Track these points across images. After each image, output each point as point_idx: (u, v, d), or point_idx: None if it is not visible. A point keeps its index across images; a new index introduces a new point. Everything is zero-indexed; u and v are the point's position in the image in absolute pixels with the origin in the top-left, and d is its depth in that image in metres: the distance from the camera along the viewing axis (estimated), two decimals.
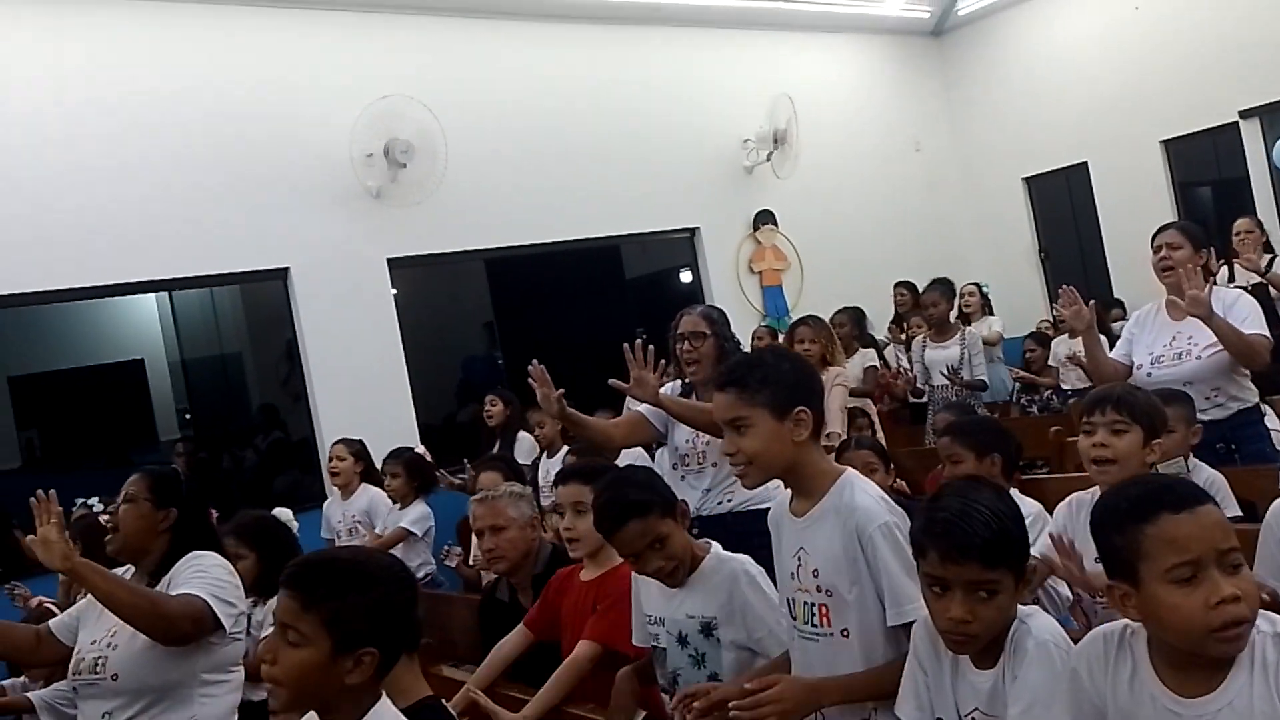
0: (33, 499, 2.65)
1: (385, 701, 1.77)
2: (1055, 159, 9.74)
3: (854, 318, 7.19)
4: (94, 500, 4.87)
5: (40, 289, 5.98)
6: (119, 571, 2.89)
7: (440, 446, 6.35)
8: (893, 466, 4.12)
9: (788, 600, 2.24)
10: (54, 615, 3.43)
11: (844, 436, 5.01)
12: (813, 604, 2.15)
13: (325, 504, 5.82)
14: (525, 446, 6.10)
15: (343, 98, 6.77)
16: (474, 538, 4.02)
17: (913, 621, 2.03)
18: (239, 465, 8.30)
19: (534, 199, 7.65)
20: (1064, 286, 4.17)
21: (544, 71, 7.91)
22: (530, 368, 3.62)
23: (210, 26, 6.58)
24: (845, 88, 9.80)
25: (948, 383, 6.20)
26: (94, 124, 6.10)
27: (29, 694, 3.26)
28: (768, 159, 8.82)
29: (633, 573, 2.71)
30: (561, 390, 3.59)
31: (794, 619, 2.22)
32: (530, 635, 3.18)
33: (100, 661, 2.67)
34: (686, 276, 8.92)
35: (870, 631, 2.10)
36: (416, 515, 5.24)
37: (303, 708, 1.77)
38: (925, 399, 6.53)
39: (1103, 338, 6.28)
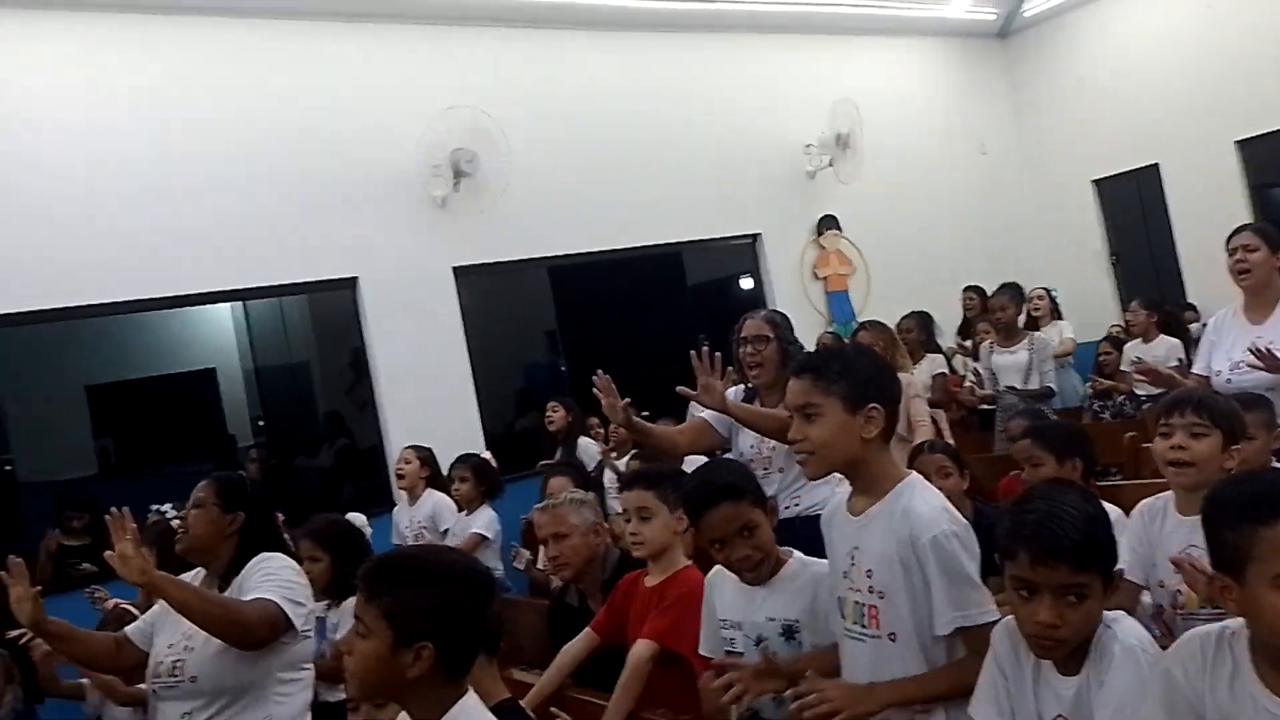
0: (108, 515, 2.71)
1: (471, 699, 1.79)
2: (1125, 161, 9.55)
3: (921, 323, 7.10)
4: (167, 506, 4.98)
5: (117, 299, 6.14)
6: (190, 575, 2.97)
7: (504, 453, 6.39)
8: (967, 471, 4.07)
9: (838, 599, 2.23)
10: (131, 617, 3.51)
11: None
12: (863, 604, 2.14)
13: (395, 509, 5.90)
14: (589, 452, 6.13)
15: (409, 109, 6.87)
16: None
17: (956, 631, 2.02)
18: (308, 471, 8.44)
19: (596, 207, 7.69)
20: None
21: (606, 80, 7.95)
22: (595, 378, 3.62)
23: (281, 43, 6.72)
24: (909, 91, 9.72)
25: (1016, 388, 6.09)
26: (170, 141, 6.25)
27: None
28: (830, 164, 8.77)
29: (706, 581, 2.71)
30: (628, 400, 3.59)
31: (843, 618, 2.21)
32: (597, 638, 3.19)
33: (178, 664, 2.73)
34: (748, 283, 8.89)
35: (917, 638, 2.08)
36: (487, 520, 5.28)
37: (371, 697, 1.84)
38: (993, 405, 6.43)
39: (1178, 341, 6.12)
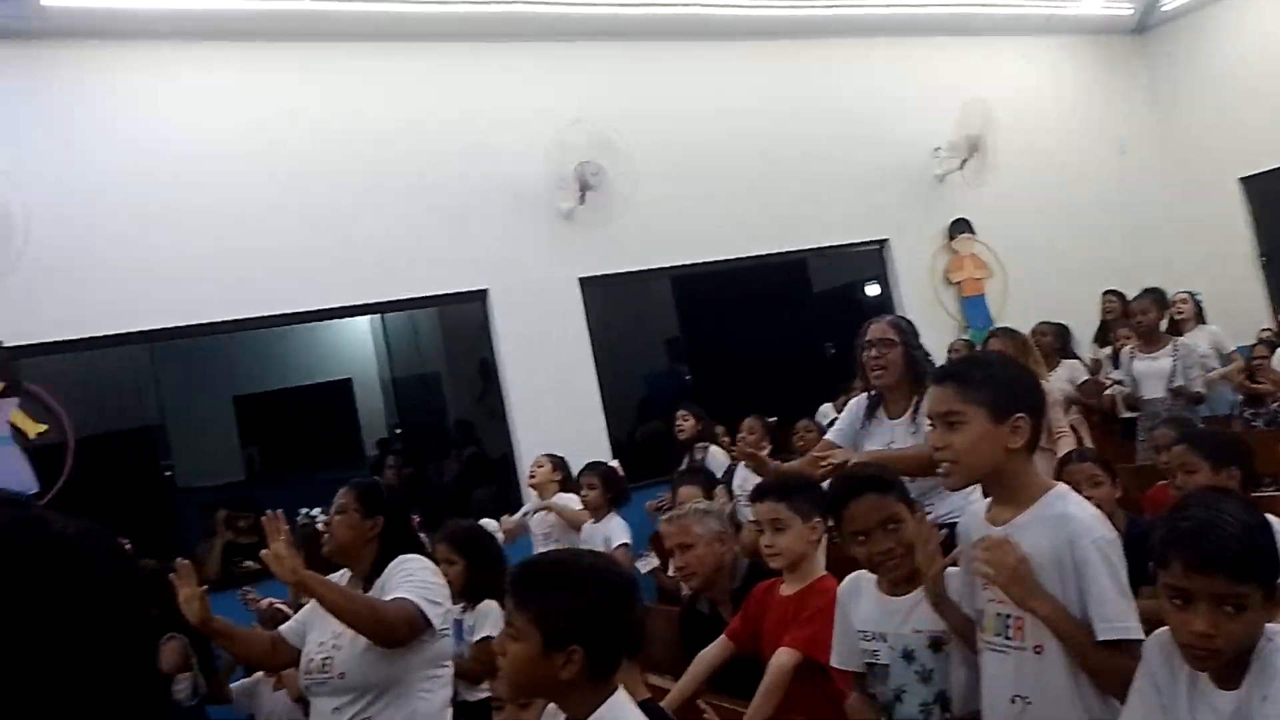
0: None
1: (621, 695, 1.83)
2: (1274, 157, 9.07)
3: (1056, 329, 6.89)
4: (316, 510, 5.20)
5: (263, 314, 6.42)
6: (336, 576, 3.10)
7: (630, 461, 6.45)
8: (1118, 479, 3.93)
9: (978, 611, 2.18)
10: (284, 614, 3.68)
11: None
12: (1007, 616, 2.09)
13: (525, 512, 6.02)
14: (717, 460, 6.13)
15: (536, 125, 7.00)
16: None
17: (1119, 640, 1.95)
18: (440, 478, 8.68)
19: (720, 216, 7.70)
20: None
21: (729, 89, 7.96)
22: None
23: (413, 66, 6.93)
24: (1043, 90, 9.44)
25: (1161, 396, 5.85)
26: (311, 163, 6.51)
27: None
28: (960, 167, 8.58)
29: (838, 591, 2.68)
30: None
31: (982, 630, 2.16)
32: (732, 646, 3.20)
33: (327, 661, 2.86)
34: (874, 289, 8.76)
35: (1065, 650, 2.01)
36: (621, 526, 5.32)
37: (522, 696, 1.89)
38: (1136, 413, 6.18)
39: None
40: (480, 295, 7.03)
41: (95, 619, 1.09)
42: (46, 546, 1.09)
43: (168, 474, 6.49)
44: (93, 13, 5.79)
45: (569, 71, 7.40)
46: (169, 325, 6.13)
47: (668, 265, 7.69)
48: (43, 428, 5.70)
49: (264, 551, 2.83)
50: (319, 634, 2.95)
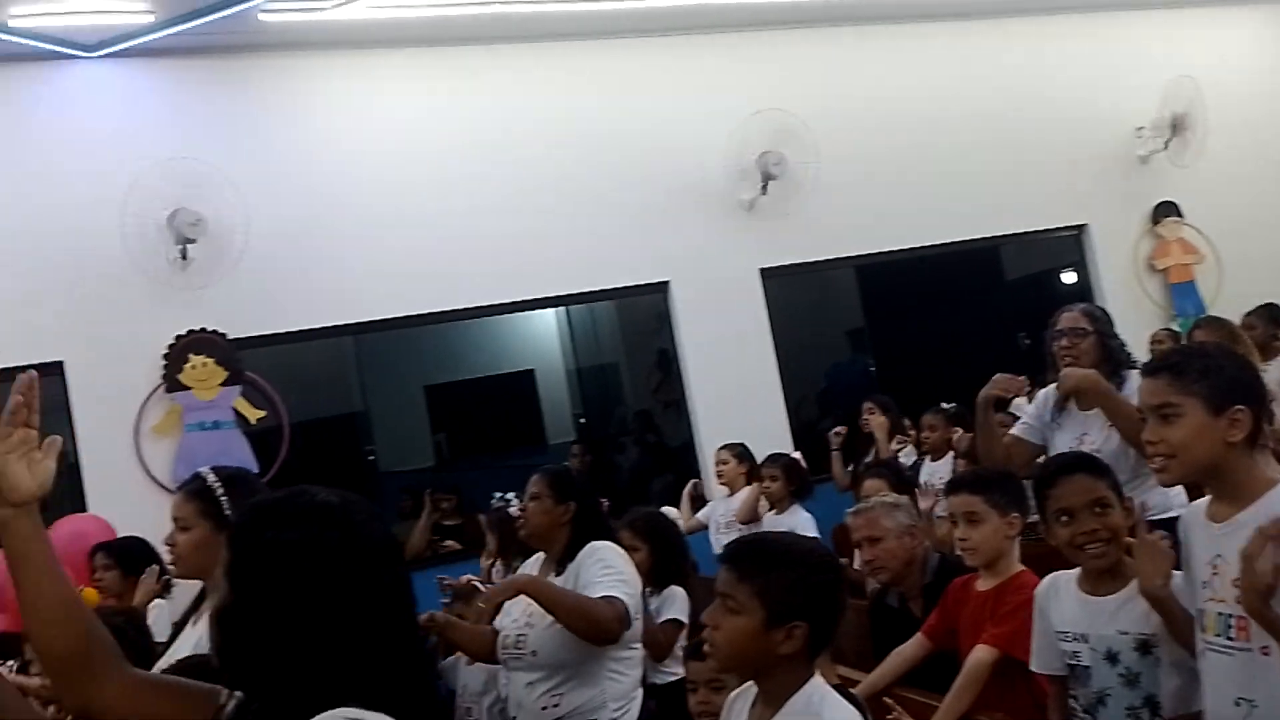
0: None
1: (820, 679, 1.85)
2: None
3: (1268, 318, 6.40)
4: (510, 495, 5.42)
5: (454, 307, 6.70)
6: (532, 560, 3.23)
7: (811, 453, 6.40)
8: None
9: (1199, 611, 2.08)
10: (477, 589, 3.84)
11: None
12: (1229, 615, 1.99)
13: (709, 504, 6.07)
14: (903, 452, 6.02)
15: (716, 117, 7.02)
16: None
17: None
18: (619, 468, 8.85)
19: (906, 203, 7.53)
20: None
21: (913, 72, 7.77)
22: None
23: (593, 62, 7.07)
24: (1258, 64, 8.78)
25: None
26: (498, 160, 6.73)
27: None
28: (1165, 147, 8.09)
29: (1036, 592, 2.62)
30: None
31: (1203, 631, 2.06)
32: (929, 644, 3.15)
33: (521, 639, 2.99)
34: (1071, 277, 8.38)
35: None
36: (807, 519, 5.30)
37: (736, 670, 1.92)
38: None
39: None
40: (662, 287, 7.12)
41: (362, 571, 1.27)
42: (317, 511, 1.28)
43: (370, 458, 6.87)
44: (306, 26, 6.17)
45: (749, 62, 7.38)
46: (371, 318, 6.49)
47: (852, 255, 7.58)
48: (261, 413, 6.15)
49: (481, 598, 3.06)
50: (513, 611, 3.09)
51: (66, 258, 5.82)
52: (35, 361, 5.69)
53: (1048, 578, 2.62)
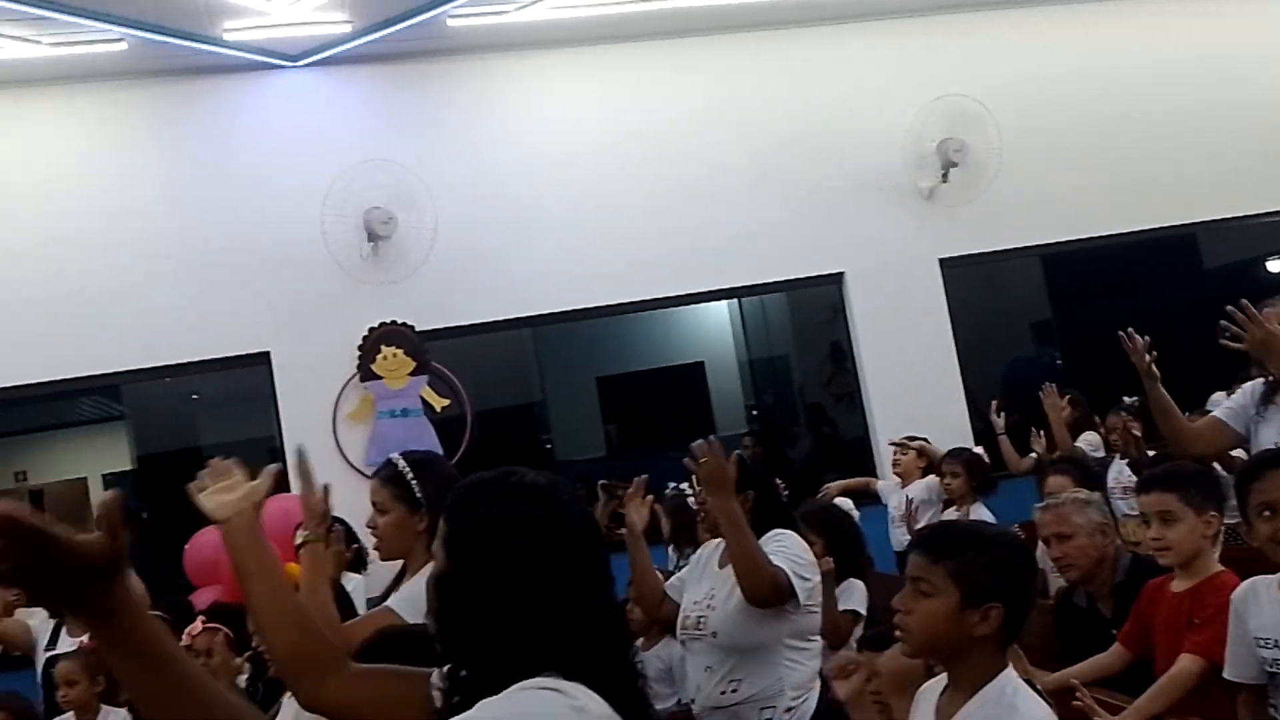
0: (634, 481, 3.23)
1: (1013, 672, 1.83)
2: None
3: None
4: (683, 485, 5.50)
5: (627, 300, 6.82)
6: (710, 547, 3.28)
7: (993, 447, 6.21)
8: None
9: None
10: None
11: None
12: None
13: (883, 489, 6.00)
14: (1090, 447, 5.78)
15: (893, 104, 6.90)
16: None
17: None
18: (790, 460, 8.80)
19: (1095, 189, 7.20)
20: None
21: (1099, 52, 7.41)
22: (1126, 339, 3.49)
23: (769, 51, 7.05)
24: None
25: None
26: (671, 153, 6.81)
27: None
28: None
29: (1232, 598, 2.50)
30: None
31: None
32: (1128, 654, 3.04)
33: (701, 620, 3.04)
34: (1277, 265, 7.83)
35: None
36: (987, 517, 5.15)
37: (929, 653, 1.92)
38: None
39: None
40: (836, 279, 7.05)
41: (564, 546, 1.35)
42: (525, 490, 1.39)
43: (548, 447, 7.08)
44: (490, 29, 6.41)
45: (929, 48, 7.22)
46: (549, 311, 6.69)
47: (1037, 244, 7.31)
48: (446, 402, 6.43)
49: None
50: (694, 593, 3.14)
51: (272, 256, 6.24)
52: (246, 352, 6.20)
53: (1245, 582, 2.54)
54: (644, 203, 6.75)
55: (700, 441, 2.91)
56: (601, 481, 5.97)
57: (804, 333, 8.83)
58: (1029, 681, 1.91)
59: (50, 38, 5.58)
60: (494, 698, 1.29)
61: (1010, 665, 1.85)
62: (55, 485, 12.14)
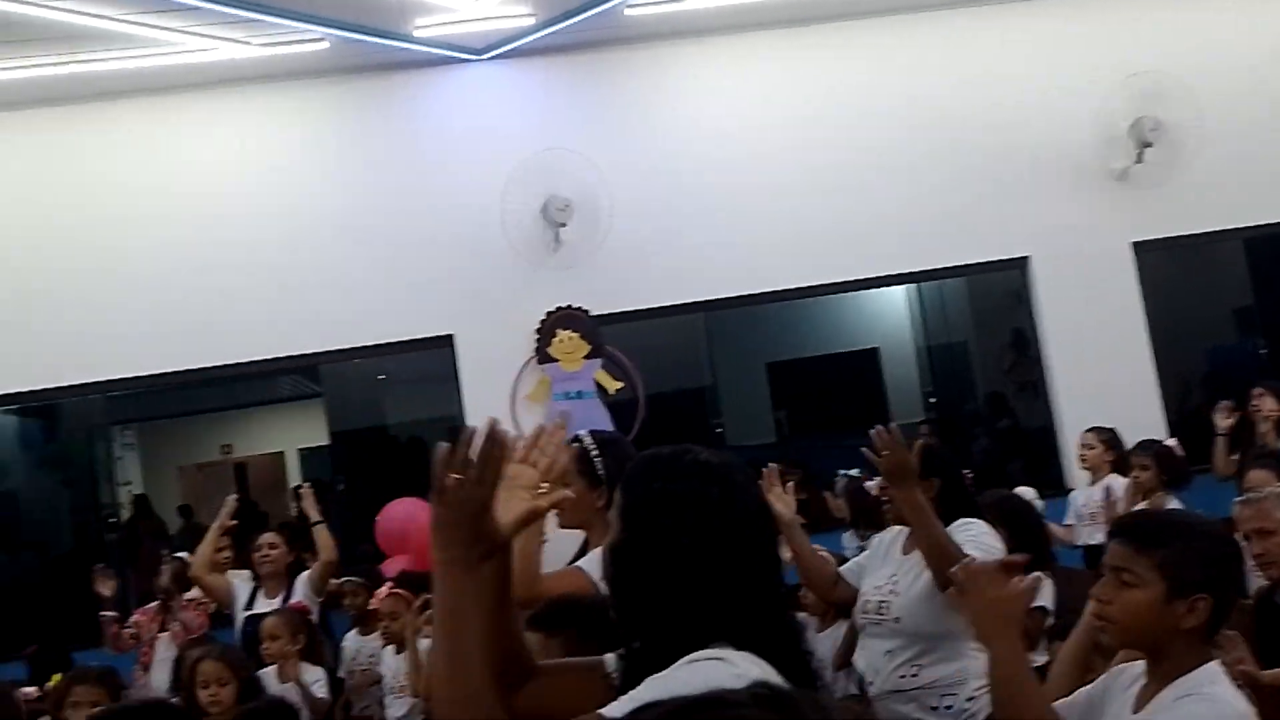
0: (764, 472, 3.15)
1: (1216, 665, 1.77)
2: None
3: None
4: (854, 471, 5.45)
5: (800, 285, 6.80)
6: (892, 533, 3.24)
7: (1193, 441, 5.88)
8: None
9: None
10: None
11: None
12: None
13: (1073, 492, 5.76)
14: None
15: (1081, 83, 6.63)
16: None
17: None
18: (969, 450, 8.55)
19: None
20: None
21: None
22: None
23: (946, 29, 6.88)
24: None
25: None
26: (846, 136, 6.74)
27: None
28: None
29: None
30: None
31: None
32: None
33: (884, 605, 3.02)
34: None
35: None
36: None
37: (1132, 644, 1.88)
38: None
39: None
40: (1020, 263, 6.81)
41: (736, 524, 1.39)
42: (700, 468, 1.43)
43: (718, 431, 7.12)
44: (664, 17, 6.48)
45: (1118, 24, 6.87)
46: (720, 296, 6.72)
47: (1240, 226, 6.88)
48: (620, 385, 6.57)
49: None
50: (875, 578, 3.13)
51: (456, 242, 6.50)
52: (431, 335, 6.49)
53: None
54: (818, 186, 6.70)
55: (879, 429, 2.87)
56: (768, 466, 6.01)
57: (984, 319, 8.56)
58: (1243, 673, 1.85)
59: (260, 39, 5.97)
60: (660, 674, 1.33)
61: (1215, 659, 1.79)
62: (256, 458, 13.03)
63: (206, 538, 5.07)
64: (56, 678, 3.98)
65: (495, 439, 1.32)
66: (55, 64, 5.83)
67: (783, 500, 3.27)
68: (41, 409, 7.38)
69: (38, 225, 6.32)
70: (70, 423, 7.94)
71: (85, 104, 6.31)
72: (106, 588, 5.23)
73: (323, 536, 5.10)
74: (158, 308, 6.29)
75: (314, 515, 5.20)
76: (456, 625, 1.34)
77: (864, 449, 2.96)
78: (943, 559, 2.79)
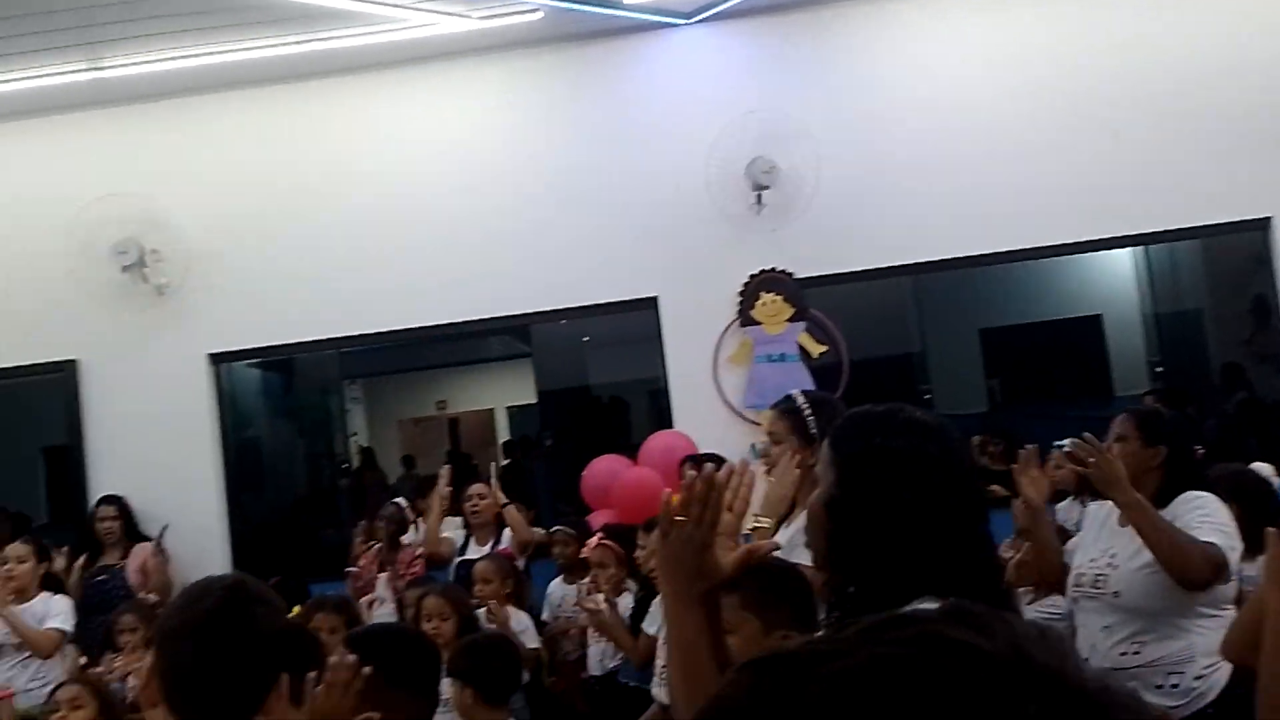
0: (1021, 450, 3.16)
1: None
2: None
3: None
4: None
5: (1016, 247, 6.51)
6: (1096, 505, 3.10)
7: None
8: None
9: None
10: None
11: None
12: None
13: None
14: None
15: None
16: None
17: None
18: (1202, 422, 8.02)
19: None
20: None
21: None
22: None
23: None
24: None
25: None
26: (1058, 92, 6.36)
27: None
28: None
29: None
30: None
31: None
32: None
33: (1100, 578, 2.90)
34: None
35: None
36: None
37: None
38: None
39: None
40: (1262, 224, 6.29)
41: (951, 481, 1.40)
42: (918, 426, 1.45)
43: (926, 398, 6.96)
44: None
45: None
46: (930, 259, 6.52)
47: None
48: (823, 349, 6.50)
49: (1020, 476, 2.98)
50: (1090, 550, 3.00)
51: (661, 206, 6.58)
52: (636, 296, 6.62)
53: None
54: (1035, 144, 6.38)
55: (1074, 442, 2.76)
56: (976, 438, 5.82)
57: (1220, 284, 7.98)
58: None
59: (480, 12, 6.21)
60: None
61: None
62: (468, 414, 13.73)
63: (431, 512, 5.34)
64: (297, 609, 4.35)
65: (712, 485, 1.47)
66: (297, 43, 6.26)
67: (1036, 484, 3.14)
68: (281, 364, 7.99)
69: (279, 199, 6.80)
70: (306, 377, 8.59)
71: (313, 80, 6.70)
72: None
73: (513, 518, 5.26)
74: (384, 270, 6.67)
75: (501, 498, 5.37)
76: (684, 657, 1.50)
77: (1069, 463, 2.84)
78: (1178, 557, 2.65)
